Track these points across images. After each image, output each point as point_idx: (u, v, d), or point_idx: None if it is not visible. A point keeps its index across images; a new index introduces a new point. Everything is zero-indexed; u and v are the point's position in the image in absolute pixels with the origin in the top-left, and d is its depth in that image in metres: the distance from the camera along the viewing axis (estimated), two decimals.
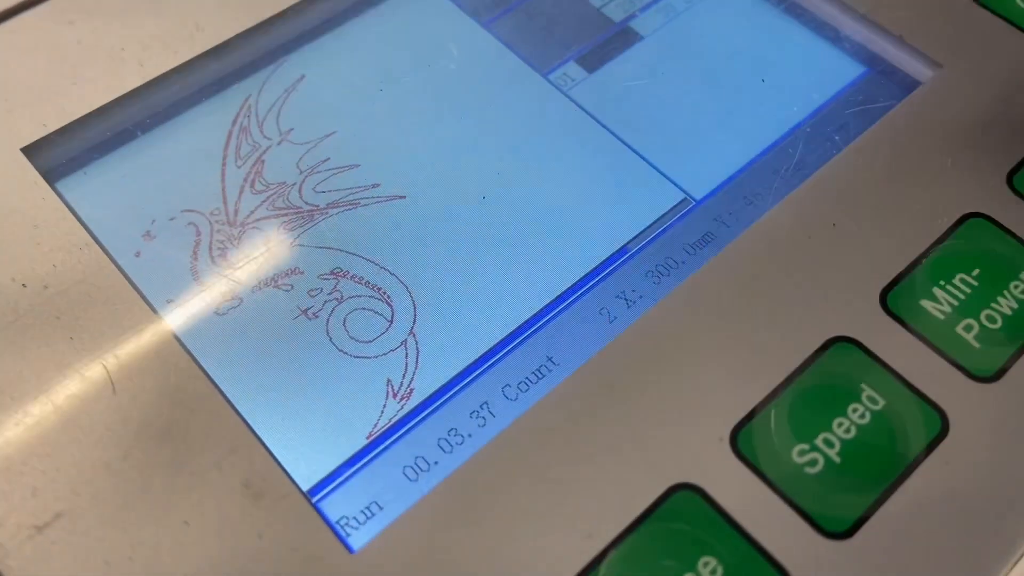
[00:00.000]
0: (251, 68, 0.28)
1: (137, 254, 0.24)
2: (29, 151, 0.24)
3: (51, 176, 0.25)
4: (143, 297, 0.23)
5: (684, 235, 0.25)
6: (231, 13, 0.27)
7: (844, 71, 0.28)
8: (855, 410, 0.21)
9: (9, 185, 0.24)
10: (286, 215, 0.25)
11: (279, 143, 0.26)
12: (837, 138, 0.26)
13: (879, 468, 0.20)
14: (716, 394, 0.21)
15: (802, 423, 0.21)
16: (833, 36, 0.29)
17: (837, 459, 0.20)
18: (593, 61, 0.28)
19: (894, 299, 0.23)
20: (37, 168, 0.24)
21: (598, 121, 0.27)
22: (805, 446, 0.20)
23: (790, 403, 0.21)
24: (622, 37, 0.29)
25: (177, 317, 0.23)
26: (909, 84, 0.27)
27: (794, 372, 0.21)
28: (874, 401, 0.21)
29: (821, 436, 0.21)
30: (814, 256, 0.23)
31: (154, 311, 0.22)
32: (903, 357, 0.22)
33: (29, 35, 0.26)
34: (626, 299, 0.24)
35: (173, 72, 0.26)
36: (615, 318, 0.24)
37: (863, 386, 0.21)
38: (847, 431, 0.21)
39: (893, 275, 0.23)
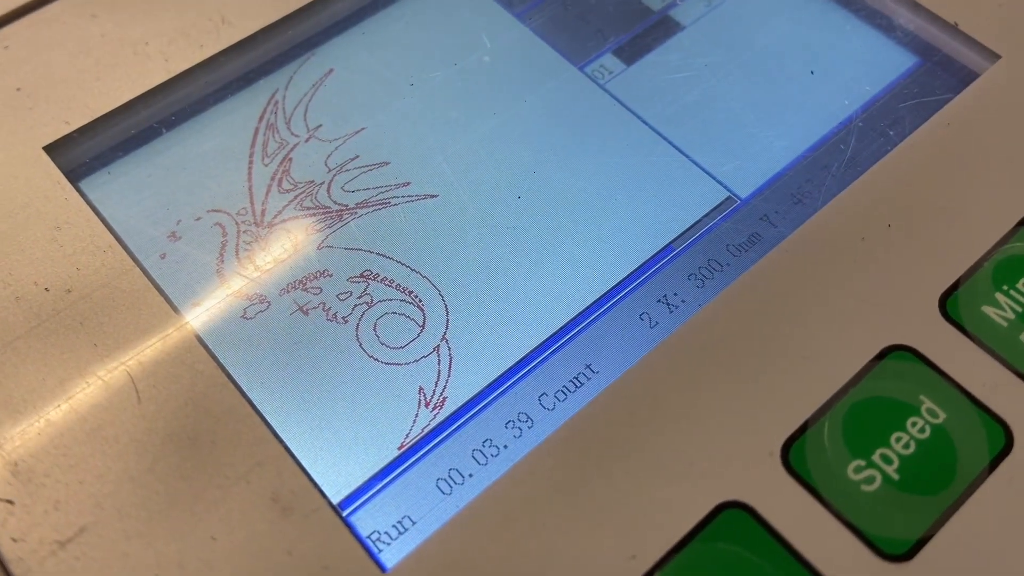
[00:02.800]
0: (278, 62, 0.27)
1: (162, 256, 0.23)
2: (51, 150, 0.24)
3: (74, 175, 0.24)
4: (168, 301, 0.22)
5: (729, 236, 0.24)
6: (257, 5, 0.26)
7: (896, 62, 0.27)
8: (914, 424, 0.20)
9: (31, 185, 0.23)
10: (314, 215, 0.24)
11: (307, 140, 0.26)
12: (892, 133, 0.25)
13: (940, 486, 0.19)
14: (766, 406, 0.20)
15: (857, 437, 0.20)
16: (884, 25, 0.27)
17: (895, 476, 0.19)
18: (631, 52, 0.27)
19: (953, 305, 0.21)
20: (60, 167, 0.24)
21: (637, 116, 0.26)
22: (861, 462, 0.19)
23: (844, 416, 0.20)
24: (661, 27, 0.28)
25: (203, 322, 0.22)
26: (966, 76, 0.26)
27: (848, 383, 0.20)
28: (934, 414, 0.20)
29: (878, 452, 0.20)
30: (868, 259, 0.22)
31: (180, 316, 0.22)
32: (964, 367, 0.21)
33: (50, 29, 0.26)
34: (668, 303, 0.23)
35: (199, 67, 0.25)
36: (656, 324, 0.23)
37: (922, 398, 0.20)
38: (906, 446, 0.20)
39: (952, 280, 0.22)
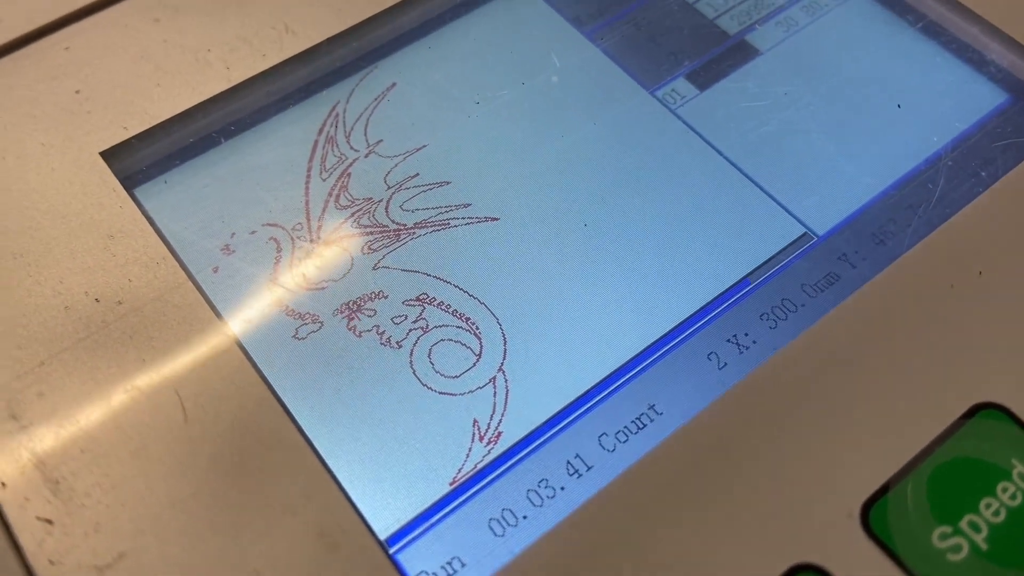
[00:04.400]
0: (340, 74, 0.26)
1: (215, 269, 0.23)
2: (108, 155, 0.23)
3: (129, 183, 0.24)
4: (219, 317, 0.21)
5: (804, 275, 0.23)
6: (322, 16, 0.26)
7: (987, 98, 0.25)
8: (1005, 490, 0.18)
9: (86, 191, 0.23)
10: (371, 233, 0.23)
11: (366, 155, 0.25)
12: (983, 174, 0.24)
13: None
14: (845, 463, 0.19)
15: (944, 502, 0.18)
16: (975, 59, 0.26)
17: (984, 546, 0.18)
18: (705, 77, 0.26)
19: None
20: (115, 174, 0.23)
21: (709, 143, 0.25)
22: (947, 529, 0.18)
23: (929, 477, 0.19)
24: (737, 52, 0.27)
25: (254, 341, 0.21)
26: None
27: (934, 442, 0.19)
28: None
29: (966, 518, 0.18)
30: (957, 308, 0.21)
31: (231, 333, 0.21)
32: None
33: (112, 32, 0.25)
34: (738, 343, 0.22)
35: (260, 76, 0.25)
36: (725, 365, 0.21)
37: (1014, 461, 0.19)
38: (995, 514, 0.18)
39: None
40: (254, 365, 0.21)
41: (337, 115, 0.25)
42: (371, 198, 0.24)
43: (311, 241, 0.23)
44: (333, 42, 0.26)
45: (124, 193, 0.23)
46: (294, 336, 0.22)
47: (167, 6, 0.26)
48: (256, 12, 0.26)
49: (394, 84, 0.26)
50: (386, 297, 0.23)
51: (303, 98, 0.26)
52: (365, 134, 0.25)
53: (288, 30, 0.26)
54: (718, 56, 0.27)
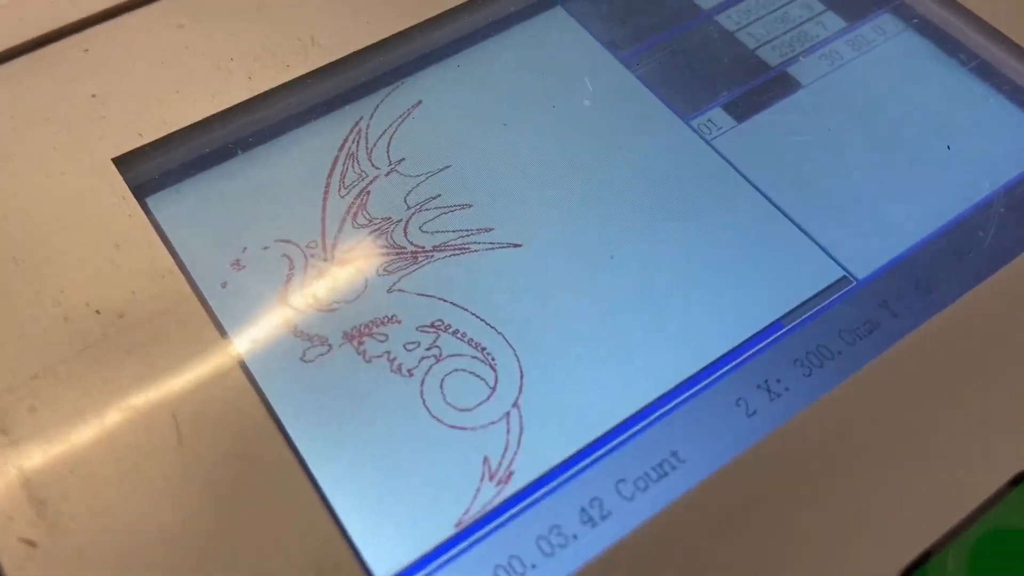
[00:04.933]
0: (365, 89, 0.25)
1: (223, 285, 0.22)
2: (120, 162, 0.23)
3: (141, 191, 0.23)
4: (224, 335, 0.20)
5: (842, 320, 0.21)
6: (350, 29, 0.25)
7: None
8: None
9: (95, 198, 0.22)
10: (388, 255, 0.22)
11: (387, 174, 0.24)
12: None
13: None
14: (882, 527, 0.17)
15: (986, 574, 0.17)
16: None
17: None
18: (743, 109, 0.25)
19: None
20: (127, 182, 0.22)
21: (745, 178, 0.24)
22: None
23: (972, 548, 0.17)
24: (778, 84, 0.26)
25: (259, 361, 0.20)
26: None
27: (976, 510, 0.18)
28: None
29: None
30: (1005, 367, 0.19)
31: (234, 353, 0.20)
32: None
33: (134, 36, 0.25)
34: (768, 390, 0.20)
35: (282, 88, 0.24)
36: (754, 412, 0.20)
37: None
38: None
39: None
40: (256, 387, 0.20)
41: (360, 131, 0.25)
42: (390, 217, 0.23)
43: (325, 260, 0.22)
44: (359, 56, 0.25)
45: (134, 201, 0.22)
46: (301, 358, 0.21)
47: (192, 12, 0.25)
48: (283, 22, 0.25)
49: (420, 102, 0.25)
50: (399, 322, 0.22)
51: (326, 112, 0.25)
52: (388, 151, 0.24)
53: (314, 42, 0.25)
54: (758, 87, 0.26)
